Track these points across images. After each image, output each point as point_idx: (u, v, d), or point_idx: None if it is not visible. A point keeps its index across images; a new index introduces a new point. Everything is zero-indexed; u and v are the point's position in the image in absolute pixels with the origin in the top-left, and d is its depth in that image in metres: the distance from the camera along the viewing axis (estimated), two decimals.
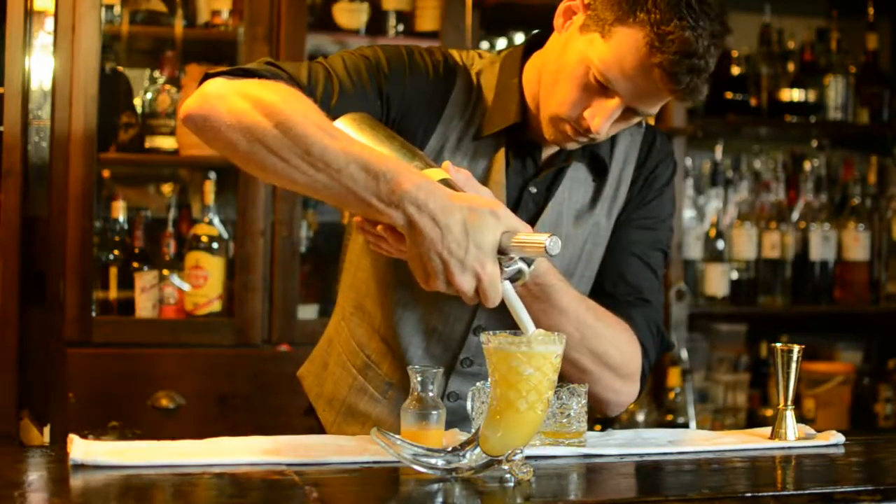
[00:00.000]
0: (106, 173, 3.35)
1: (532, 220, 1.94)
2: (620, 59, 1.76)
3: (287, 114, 1.65)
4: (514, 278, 1.64)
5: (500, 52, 2.02)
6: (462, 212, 1.58)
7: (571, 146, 1.90)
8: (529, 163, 1.96)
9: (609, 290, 1.98)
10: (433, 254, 1.58)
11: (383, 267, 1.98)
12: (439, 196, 1.59)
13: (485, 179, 1.91)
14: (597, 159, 1.98)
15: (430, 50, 1.97)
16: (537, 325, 1.61)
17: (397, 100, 1.88)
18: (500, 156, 1.93)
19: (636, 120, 1.87)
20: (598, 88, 1.80)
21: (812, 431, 1.92)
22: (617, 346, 1.91)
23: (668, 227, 2.06)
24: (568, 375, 1.86)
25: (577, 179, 1.99)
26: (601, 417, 3.44)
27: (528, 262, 1.66)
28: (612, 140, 1.99)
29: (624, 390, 1.94)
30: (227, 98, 1.72)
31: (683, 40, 1.72)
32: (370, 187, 1.60)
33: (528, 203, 1.95)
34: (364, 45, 1.97)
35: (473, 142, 1.93)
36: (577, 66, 1.81)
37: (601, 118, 1.81)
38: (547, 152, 1.98)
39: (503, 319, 1.65)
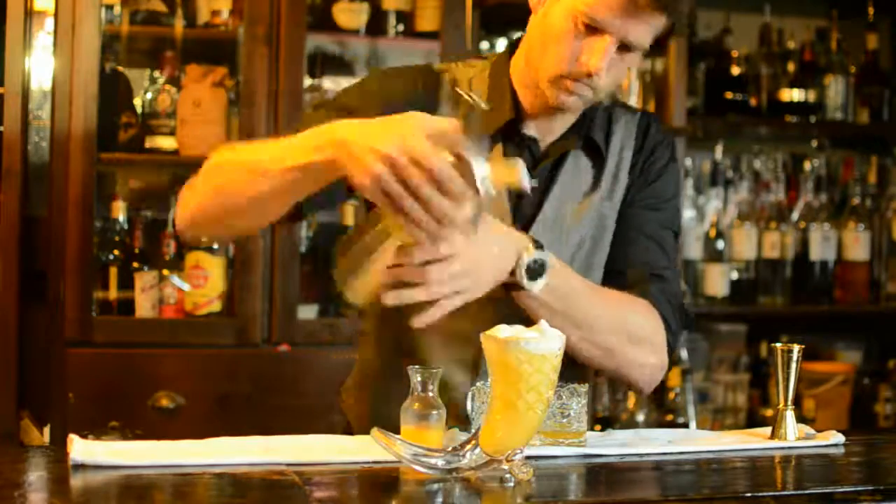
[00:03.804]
0: (106, 173, 3.35)
1: (534, 212, 1.97)
2: None
3: (220, 159, 1.85)
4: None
5: (487, 57, 2.05)
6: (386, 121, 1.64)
7: (575, 103, 1.92)
8: (527, 157, 1.97)
9: (621, 270, 1.99)
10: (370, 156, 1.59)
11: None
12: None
13: None
14: (592, 143, 2.01)
15: (407, 67, 2.02)
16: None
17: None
18: (497, 152, 1.94)
19: (632, 57, 1.90)
20: (588, 33, 1.85)
21: (812, 431, 1.92)
22: (638, 322, 1.93)
23: (674, 207, 2.07)
24: (596, 359, 1.90)
25: (576, 168, 2.01)
26: (602, 417, 3.44)
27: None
28: (608, 126, 2.02)
29: (650, 362, 1.94)
30: (185, 197, 1.90)
31: None
32: (309, 147, 1.67)
33: (529, 196, 1.95)
34: (338, 91, 2.03)
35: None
36: (564, 21, 1.87)
37: (598, 57, 1.85)
38: (544, 144, 2.00)
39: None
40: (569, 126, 2.01)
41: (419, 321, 1.72)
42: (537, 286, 1.80)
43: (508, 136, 1.96)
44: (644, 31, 1.87)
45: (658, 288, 1.98)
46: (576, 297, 1.86)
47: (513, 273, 1.80)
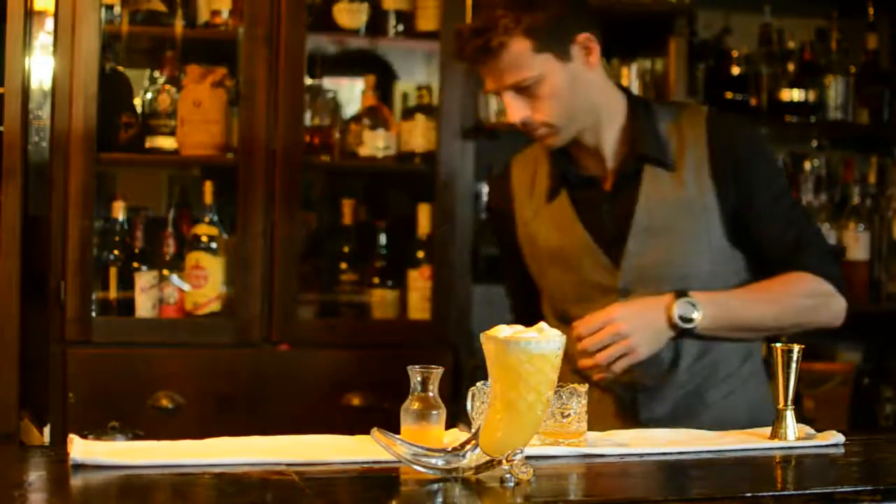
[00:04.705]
0: (106, 173, 3.34)
1: (625, 229, 2.24)
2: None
3: None
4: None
5: None
6: None
7: (552, 141, 2.25)
8: (593, 190, 2.28)
9: (776, 258, 2.26)
10: None
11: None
12: None
13: (561, 228, 2.29)
14: (649, 159, 2.25)
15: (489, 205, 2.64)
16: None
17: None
18: (563, 200, 2.30)
19: (541, 85, 2.17)
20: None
21: (812, 431, 1.93)
22: (803, 294, 2.24)
23: (771, 179, 2.28)
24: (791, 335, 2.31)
25: (652, 177, 2.24)
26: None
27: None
28: (655, 133, 2.26)
29: (830, 315, 2.28)
30: None
31: (458, 33, 2.19)
32: None
33: (612, 217, 2.26)
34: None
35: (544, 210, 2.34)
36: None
37: (509, 114, 2.22)
38: (604, 169, 2.29)
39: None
40: (618, 145, 2.28)
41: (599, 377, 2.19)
42: (695, 324, 2.17)
43: (568, 184, 2.31)
44: (507, 71, 2.16)
45: (802, 256, 2.24)
46: (741, 312, 2.20)
47: (674, 326, 2.17)
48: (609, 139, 2.29)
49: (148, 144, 3.25)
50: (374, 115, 3.37)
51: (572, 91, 2.22)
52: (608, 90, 2.31)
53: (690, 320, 2.17)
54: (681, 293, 2.18)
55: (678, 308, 2.17)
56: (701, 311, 2.17)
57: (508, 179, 2.43)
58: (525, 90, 2.18)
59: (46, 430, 3.07)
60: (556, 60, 2.18)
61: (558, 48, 2.19)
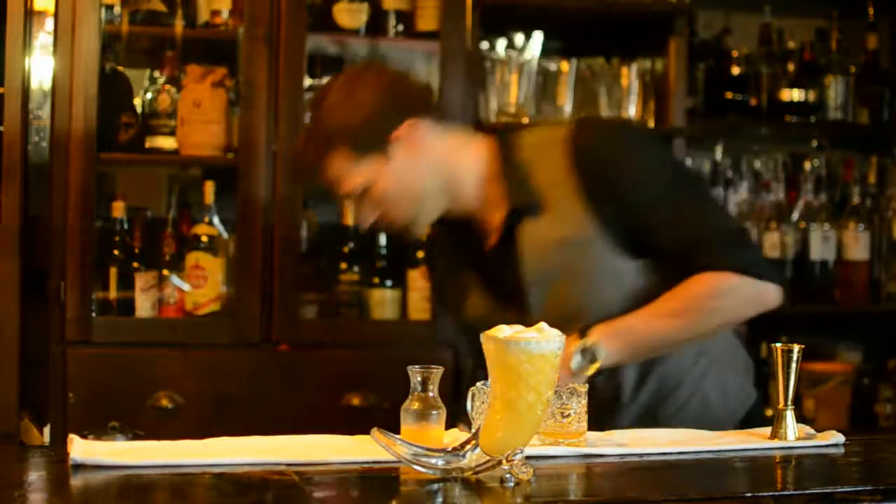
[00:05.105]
0: (106, 173, 3.35)
1: (521, 283, 2.16)
2: None
3: None
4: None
5: None
6: None
7: (409, 230, 2.24)
8: (483, 252, 2.22)
9: (676, 265, 2.11)
10: None
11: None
12: None
13: (474, 295, 2.25)
14: (518, 211, 2.16)
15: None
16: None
17: None
18: (468, 269, 2.26)
19: (374, 189, 2.14)
20: None
21: (812, 431, 1.93)
22: (710, 294, 2.09)
23: (649, 181, 2.14)
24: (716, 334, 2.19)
25: (530, 226, 2.15)
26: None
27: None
28: (521, 178, 2.17)
29: (746, 302, 2.13)
30: None
31: (292, 158, 2.31)
32: None
33: (506, 274, 2.18)
34: None
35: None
36: None
37: (354, 218, 2.36)
38: (487, 230, 2.22)
39: None
40: (494, 198, 2.19)
41: None
42: (600, 367, 2.05)
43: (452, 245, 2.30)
44: (338, 183, 2.15)
45: (699, 257, 2.09)
46: (646, 334, 2.08)
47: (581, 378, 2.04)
48: (480, 197, 2.19)
49: (148, 144, 3.25)
50: None
51: (409, 183, 2.15)
52: (456, 155, 2.20)
53: (594, 364, 2.04)
54: (584, 331, 2.05)
55: (575, 363, 2.03)
56: (602, 352, 2.04)
57: (431, 260, 2.51)
58: (363, 195, 2.14)
59: (46, 430, 3.07)
60: (380, 161, 2.12)
61: (377, 150, 2.12)
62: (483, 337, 1.57)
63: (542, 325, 1.57)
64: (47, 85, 3.22)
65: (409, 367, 1.72)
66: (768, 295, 2.14)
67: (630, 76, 3.53)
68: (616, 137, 2.20)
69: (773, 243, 3.84)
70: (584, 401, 1.81)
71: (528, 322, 1.65)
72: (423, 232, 2.28)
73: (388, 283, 3.36)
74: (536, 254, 2.14)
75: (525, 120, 3.43)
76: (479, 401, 1.73)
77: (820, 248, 3.86)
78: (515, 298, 2.18)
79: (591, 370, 2.04)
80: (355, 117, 2.10)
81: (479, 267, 2.24)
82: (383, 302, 3.35)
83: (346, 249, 3.37)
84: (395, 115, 2.13)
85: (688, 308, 2.10)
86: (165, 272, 3.22)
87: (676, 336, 2.12)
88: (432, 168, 2.16)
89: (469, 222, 2.23)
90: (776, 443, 1.87)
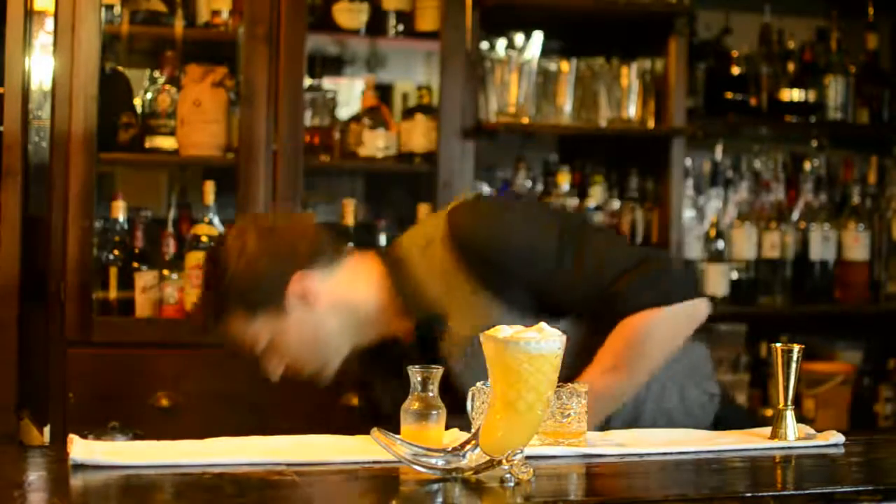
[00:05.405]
0: (106, 173, 3.35)
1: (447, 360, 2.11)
2: None
3: None
4: None
5: None
6: None
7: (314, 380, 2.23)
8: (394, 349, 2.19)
9: (594, 311, 2.08)
10: None
11: None
12: None
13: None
14: (420, 327, 2.16)
15: None
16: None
17: None
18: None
19: (273, 352, 2.16)
20: None
21: (812, 431, 1.93)
22: (641, 340, 2.06)
23: (547, 262, 2.10)
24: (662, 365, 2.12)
25: (436, 331, 2.14)
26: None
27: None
28: (416, 293, 2.15)
29: (684, 322, 2.11)
30: None
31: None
32: None
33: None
34: None
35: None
36: None
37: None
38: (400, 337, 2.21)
39: None
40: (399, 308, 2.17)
41: None
42: None
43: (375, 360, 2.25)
44: (244, 343, 2.15)
45: (615, 305, 2.07)
46: (600, 394, 1.98)
47: None
48: (383, 321, 2.18)
49: (148, 144, 3.25)
50: (374, 115, 3.37)
51: (310, 330, 2.14)
52: (349, 291, 2.17)
53: None
54: None
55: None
56: None
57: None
58: (267, 350, 2.14)
59: (46, 430, 3.07)
60: (276, 317, 2.11)
61: (272, 307, 2.11)
62: (483, 337, 1.57)
63: (542, 325, 1.57)
64: (47, 85, 3.22)
65: (409, 367, 1.72)
66: (696, 310, 2.12)
67: (630, 76, 3.53)
68: (490, 221, 2.15)
69: (773, 243, 3.84)
70: (584, 401, 1.81)
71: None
72: (334, 374, 2.20)
73: None
74: (458, 352, 2.11)
75: (525, 120, 3.43)
76: (479, 401, 1.73)
77: (820, 248, 3.87)
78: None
79: None
80: (246, 282, 2.09)
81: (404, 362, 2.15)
82: None
83: None
84: (284, 272, 2.11)
85: (625, 359, 2.06)
86: (165, 272, 3.22)
87: (626, 387, 2.08)
88: (329, 311, 2.13)
89: (382, 341, 2.20)
90: (776, 443, 1.87)
